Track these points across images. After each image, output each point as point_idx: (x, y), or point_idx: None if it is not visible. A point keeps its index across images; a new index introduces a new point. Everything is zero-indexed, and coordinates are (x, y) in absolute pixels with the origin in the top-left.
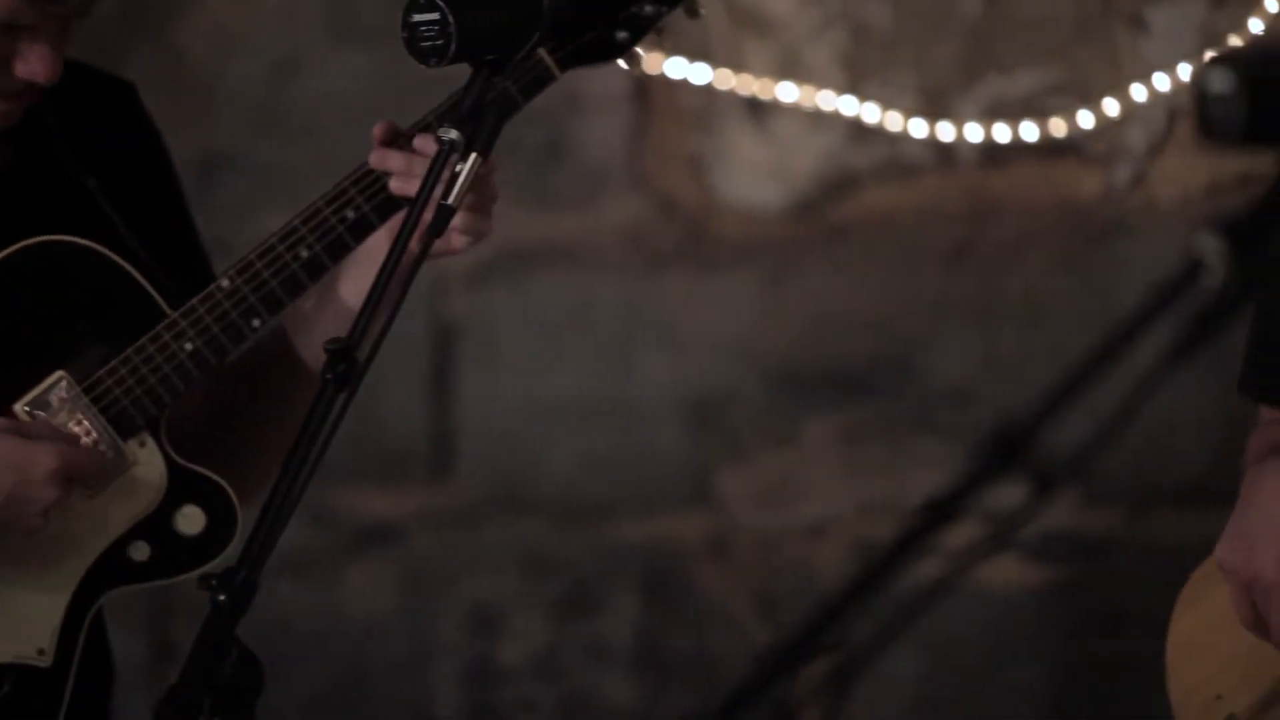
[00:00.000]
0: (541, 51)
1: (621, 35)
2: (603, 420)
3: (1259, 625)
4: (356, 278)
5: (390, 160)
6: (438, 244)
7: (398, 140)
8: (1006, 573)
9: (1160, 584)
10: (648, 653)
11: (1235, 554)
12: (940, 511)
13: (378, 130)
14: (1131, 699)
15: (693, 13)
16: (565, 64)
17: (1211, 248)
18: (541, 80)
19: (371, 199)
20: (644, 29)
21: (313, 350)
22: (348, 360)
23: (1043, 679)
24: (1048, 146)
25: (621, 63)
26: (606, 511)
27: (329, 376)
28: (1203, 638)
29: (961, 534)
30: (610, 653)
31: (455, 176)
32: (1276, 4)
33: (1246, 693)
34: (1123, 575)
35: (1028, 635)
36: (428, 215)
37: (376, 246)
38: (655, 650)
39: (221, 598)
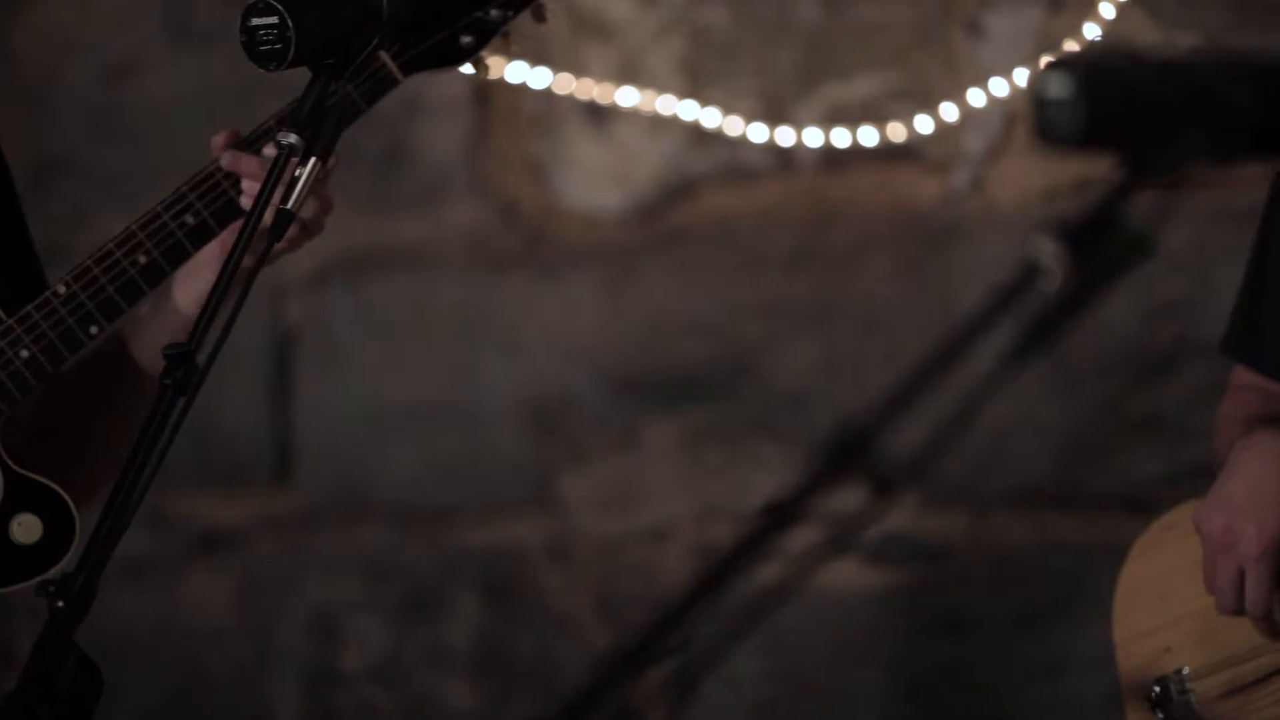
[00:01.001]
0: (384, 56)
1: (466, 40)
2: (443, 424)
3: (1227, 588)
4: (190, 286)
5: (243, 163)
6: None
7: (243, 146)
8: (847, 576)
9: (999, 586)
10: (489, 657)
11: (1215, 519)
12: (780, 515)
13: (221, 138)
14: (971, 700)
15: (539, 18)
16: (408, 69)
17: (1048, 251)
18: (384, 85)
19: (211, 204)
20: (489, 34)
21: (149, 355)
22: (187, 365)
23: (883, 681)
24: (886, 151)
25: (468, 68)
26: (447, 516)
27: (168, 381)
28: (1155, 587)
29: (802, 537)
30: (452, 657)
31: (295, 181)
32: (1112, 9)
33: (1201, 652)
34: (962, 577)
35: (868, 637)
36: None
37: (209, 254)
38: (497, 654)
39: (60, 604)
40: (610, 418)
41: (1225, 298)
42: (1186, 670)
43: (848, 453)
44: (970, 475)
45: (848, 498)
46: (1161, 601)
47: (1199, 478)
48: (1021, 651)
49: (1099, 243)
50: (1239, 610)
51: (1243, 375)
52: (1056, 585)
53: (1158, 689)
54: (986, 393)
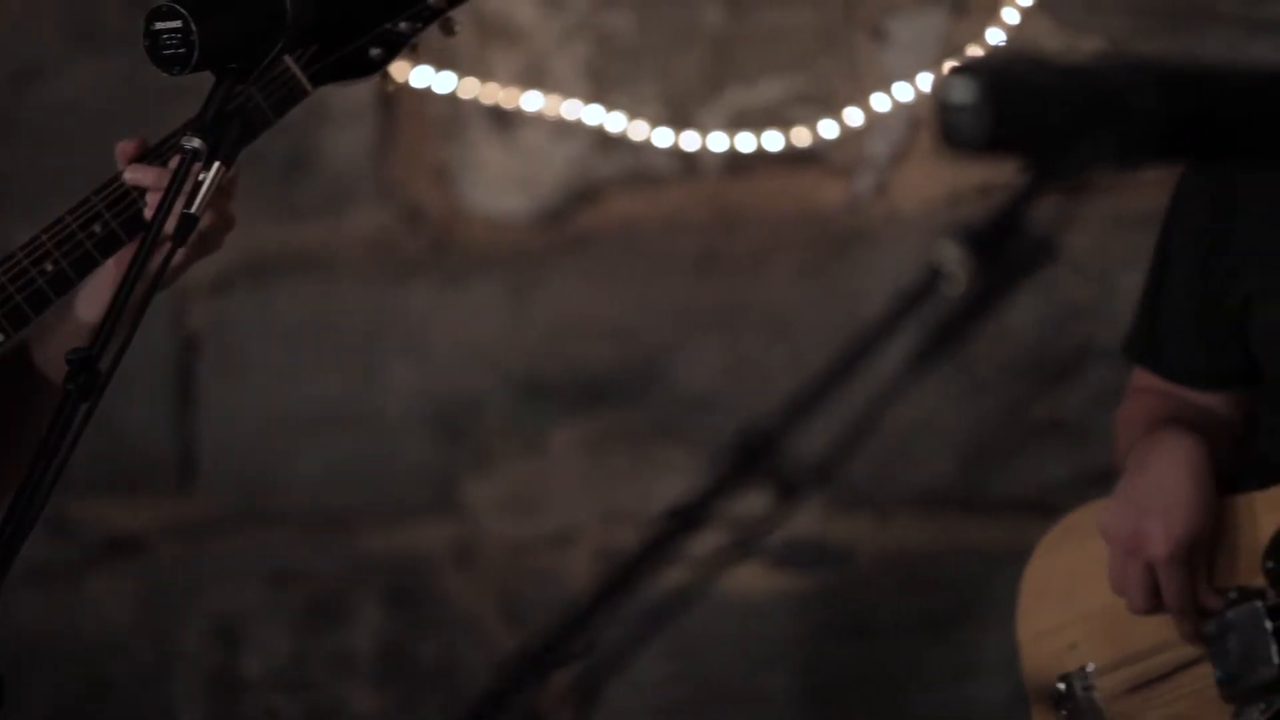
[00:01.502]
0: (293, 67)
1: (376, 52)
2: (348, 430)
3: (1136, 590)
4: (94, 296)
5: (144, 176)
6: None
7: (148, 157)
8: (751, 579)
9: (904, 589)
10: (394, 662)
11: (1121, 522)
12: (685, 519)
13: (127, 146)
14: (877, 704)
15: (448, 31)
16: (316, 80)
17: (952, 255)
18: (293, 96)
19: (120, 215)
20: (399, 46)
21: (53, 363)
22: (89, 371)
23: (789, 684)
24: (791, 156)
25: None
26: (351, 521)
27: (70, 387)
28: (1059, 585)
29: (706, 541)
30: (356, 663)
31: (198, 186)
32: (1016, 14)
33: (1105, 648)
34: (867, 581)
35: (773, 641)
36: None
37: (113, 264)
38: (402, 660)
39: None
40: (515, 422)
41: (1128, 302)
42: (1091, 667)
43: (752, 457)
44: (874, 479)
45: (752, 502)
46: (1066, 599)
47: (1103, 481)
48: (927, 655)
49: (1002, 247)
50: (1151, 611)
51: (1141, 378)
52: (961, 588)
53: (1062, 686)
54: (891, 397)
